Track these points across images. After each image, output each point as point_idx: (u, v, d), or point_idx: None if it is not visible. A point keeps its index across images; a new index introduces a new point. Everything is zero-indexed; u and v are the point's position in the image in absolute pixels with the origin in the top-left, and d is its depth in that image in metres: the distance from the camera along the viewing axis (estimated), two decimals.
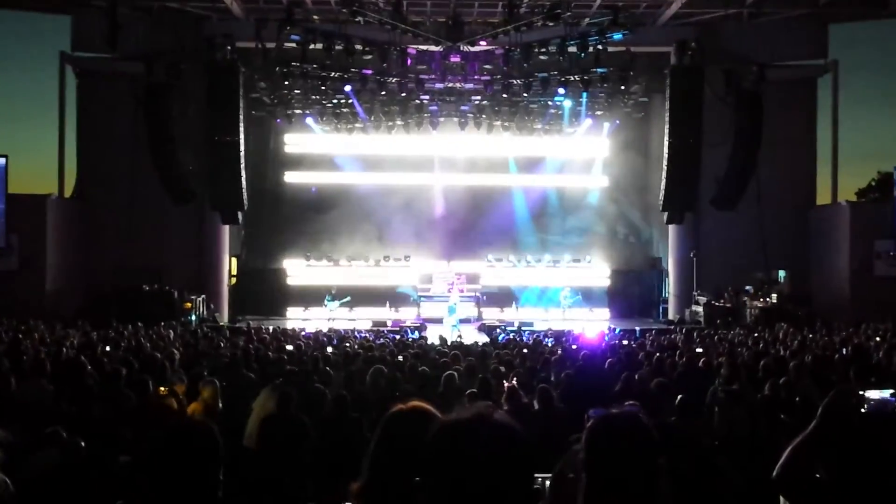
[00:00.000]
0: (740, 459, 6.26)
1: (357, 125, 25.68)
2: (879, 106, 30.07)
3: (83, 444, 5.47)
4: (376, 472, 2.27)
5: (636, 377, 9.60)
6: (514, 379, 9.04)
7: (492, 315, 25.20)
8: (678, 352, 12.44)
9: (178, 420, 6.64)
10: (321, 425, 7.01)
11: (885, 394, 2.88)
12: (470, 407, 1.79)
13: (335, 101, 24.38)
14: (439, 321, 22.71)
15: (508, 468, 1.71)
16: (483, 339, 19.15)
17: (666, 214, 23.54)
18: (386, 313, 24.89)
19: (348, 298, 24.29)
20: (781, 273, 23.61)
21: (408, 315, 25.07)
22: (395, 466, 2.17)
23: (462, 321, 22.58)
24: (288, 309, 25.64)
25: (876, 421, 2.74)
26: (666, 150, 22.51)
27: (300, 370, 9.80)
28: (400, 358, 11.60)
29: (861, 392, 2.90)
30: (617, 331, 19.91)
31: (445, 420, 1.80)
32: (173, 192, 22.19)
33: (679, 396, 7.51)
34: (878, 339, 14.81)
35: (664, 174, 22.59)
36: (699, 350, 12.94)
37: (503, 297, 26.09)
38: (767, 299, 22.75)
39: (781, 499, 3.18)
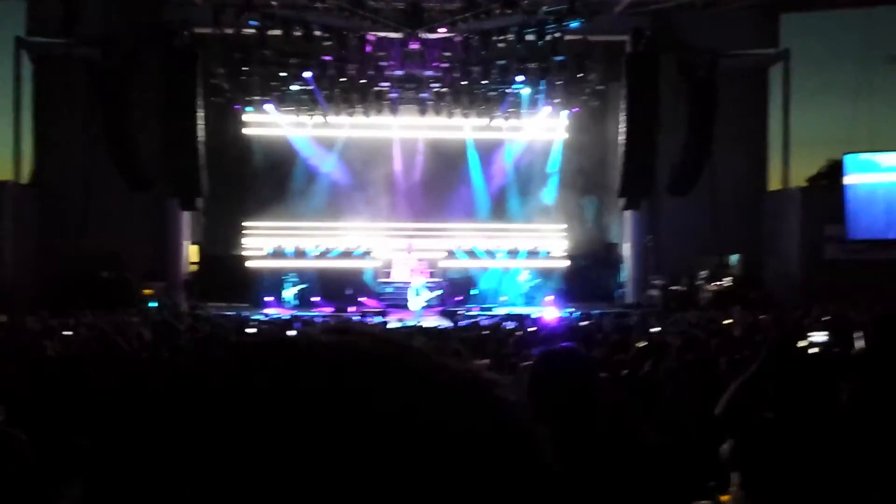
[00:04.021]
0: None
1: (317, 112, 25.65)
2: (829, 95, 30.69)
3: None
4: None
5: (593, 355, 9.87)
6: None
7: (453, 299, 25.42)
8: (633, 332, 12.75)
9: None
10: None
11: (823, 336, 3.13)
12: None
13: (294, 87, 24.34)
14: (402, 307, 22.89)
15: None
16: (444, 323, 19.36)
17: (623, 200, 23.90)
18: (346, 299, 24.93)
19: (306, 286, 24.28)
20: (734, 257, 24.12)
21: (369, 301, 25.18)
22: None
23: (427, 306, 22.74)
24: (249, 295, 25.57)
25: (815, 360, 2.98)
26: (622, 137, 22.84)
27: None
28: None
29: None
30: (576, 314, 20.23)
31: None
32: (130, 178, 21.99)
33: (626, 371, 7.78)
34: (825, 319, 15.32)
35: (621, 161, 22.93)
36: (655, 329, 13.28)
37: (464, 282, 26.30)
38: (721, 283, 23.26)
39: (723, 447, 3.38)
